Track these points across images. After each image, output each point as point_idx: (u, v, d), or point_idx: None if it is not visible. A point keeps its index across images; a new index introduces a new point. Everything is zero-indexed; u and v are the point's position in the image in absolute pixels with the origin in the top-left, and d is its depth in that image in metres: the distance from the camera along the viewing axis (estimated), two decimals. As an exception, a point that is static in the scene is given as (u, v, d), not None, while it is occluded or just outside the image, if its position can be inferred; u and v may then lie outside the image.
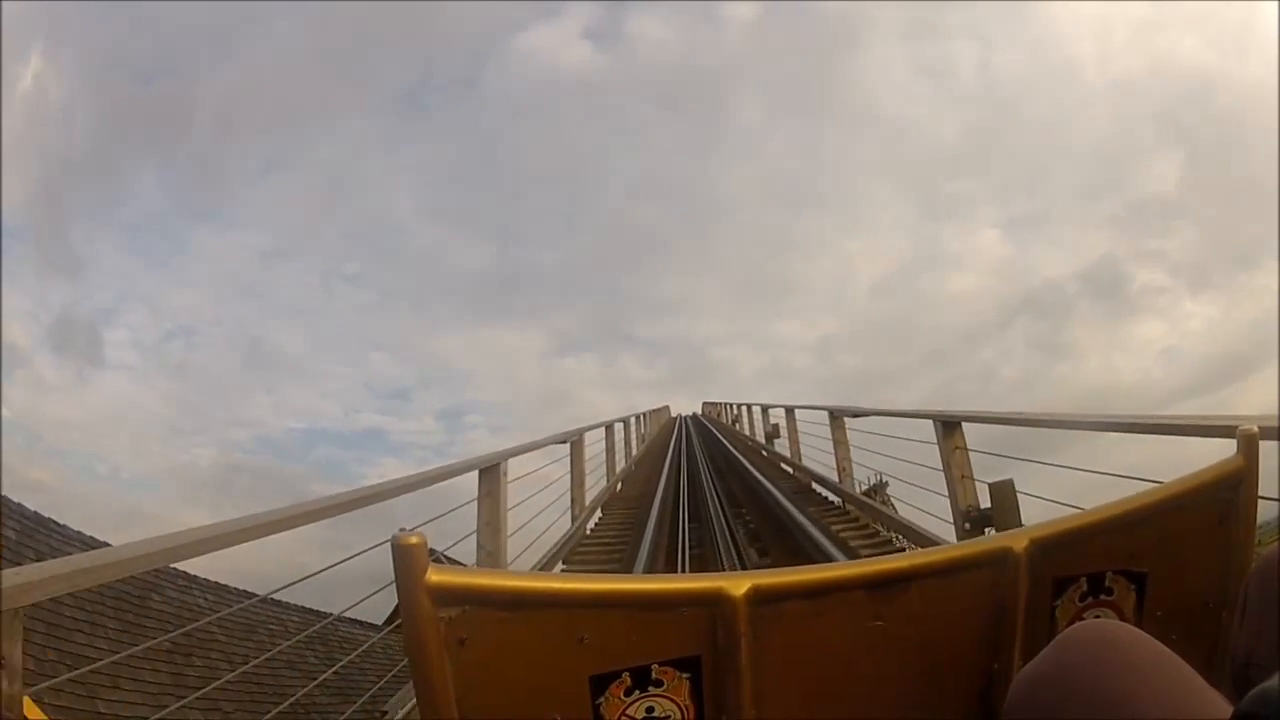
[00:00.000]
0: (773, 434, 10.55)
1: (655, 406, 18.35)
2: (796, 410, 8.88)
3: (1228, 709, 0.54)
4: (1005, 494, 3.39)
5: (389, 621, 4.72)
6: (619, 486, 8.58)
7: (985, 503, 3.66)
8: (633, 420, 11.63)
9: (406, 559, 0.77)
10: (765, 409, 11.33)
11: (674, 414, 21.64)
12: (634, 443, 11.40)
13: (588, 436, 6.87)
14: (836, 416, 6.57)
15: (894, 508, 6.13)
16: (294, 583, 2.14)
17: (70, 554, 3.16)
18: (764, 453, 11.01)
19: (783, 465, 9.42)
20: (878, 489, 7.58)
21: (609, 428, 8.51)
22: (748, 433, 13.67)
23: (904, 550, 4.12)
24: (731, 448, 12.43)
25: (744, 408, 15.08)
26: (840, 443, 6.48)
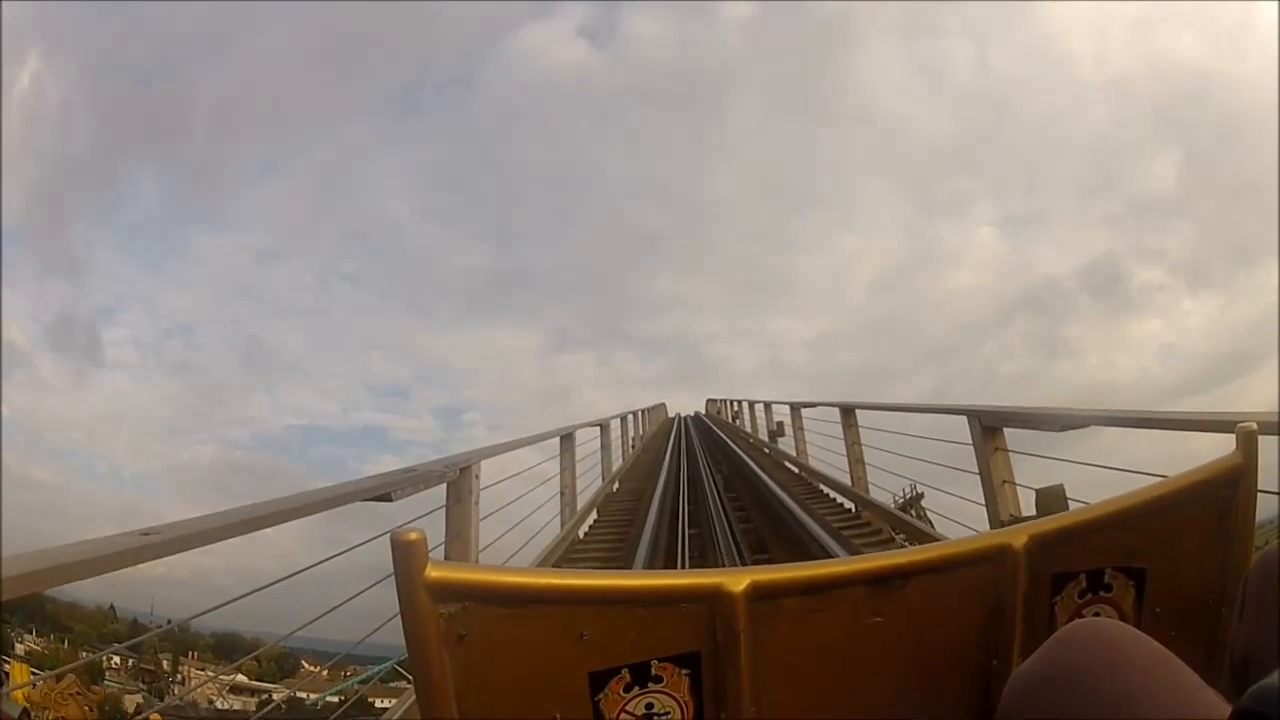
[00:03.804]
0: (912, 502, 5.37)
1: (651, 405, 16.81)
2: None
3: (1225, 708, 0.54)
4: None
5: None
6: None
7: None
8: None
9: (406, 555, 0.77)
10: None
11: (671, 414, 20.58)
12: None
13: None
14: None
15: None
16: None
17: None
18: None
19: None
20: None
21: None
22: (806, 459, 7.81)
23: (903, 546, 4.08)
24: (784, 496, 6.38)
25: (788, 410, 8.85)
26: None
